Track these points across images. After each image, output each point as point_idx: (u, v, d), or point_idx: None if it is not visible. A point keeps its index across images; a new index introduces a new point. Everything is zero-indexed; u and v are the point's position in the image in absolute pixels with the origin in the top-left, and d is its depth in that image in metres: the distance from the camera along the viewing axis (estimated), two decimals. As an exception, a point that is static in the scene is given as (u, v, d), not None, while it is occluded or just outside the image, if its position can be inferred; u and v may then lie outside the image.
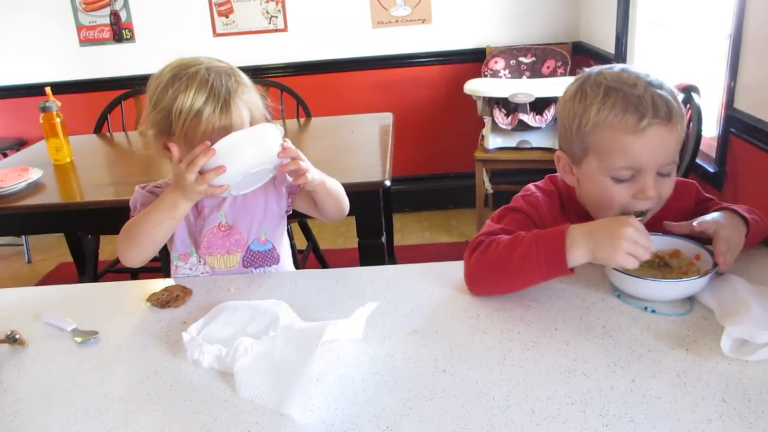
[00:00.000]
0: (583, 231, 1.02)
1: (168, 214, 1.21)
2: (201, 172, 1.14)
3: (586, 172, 1.14)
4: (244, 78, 1.29)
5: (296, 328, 0.95)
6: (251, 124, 1.27)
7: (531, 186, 1.26)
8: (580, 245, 1.00)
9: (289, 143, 1.21)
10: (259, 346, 0.94)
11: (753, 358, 0.88)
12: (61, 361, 1.01)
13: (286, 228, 1.46)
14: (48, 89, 2.43)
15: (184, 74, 1.22)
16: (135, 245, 1.25)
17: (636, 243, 0.97)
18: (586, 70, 1.15)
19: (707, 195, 1.27)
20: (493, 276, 1.09)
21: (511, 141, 3.23)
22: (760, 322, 0.91)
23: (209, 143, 1.13)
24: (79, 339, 1.05)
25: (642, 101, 1.04)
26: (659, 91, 1.06)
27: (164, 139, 1.25)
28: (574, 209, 1.21)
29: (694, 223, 1.12)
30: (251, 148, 1.16)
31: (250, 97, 1.27)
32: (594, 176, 1.12)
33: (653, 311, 1.02)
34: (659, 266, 1.13)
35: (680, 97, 1.11)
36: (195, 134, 1.20)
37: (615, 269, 1.05)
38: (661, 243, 1.15)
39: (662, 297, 1.05)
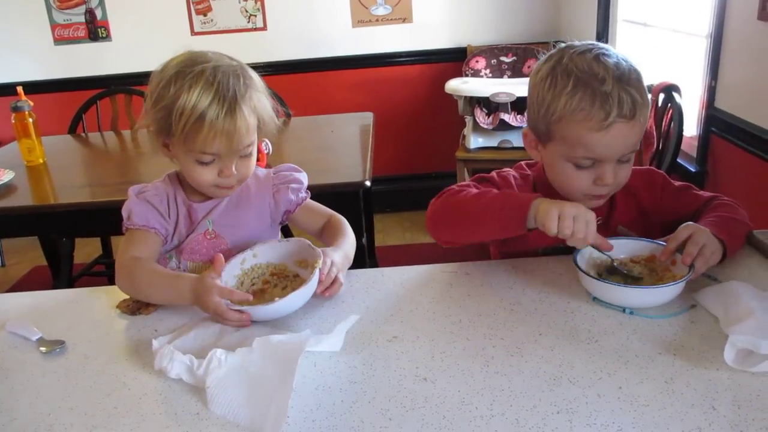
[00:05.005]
0: (546, 201, 1.06)
1: (175, 302, 1.13)
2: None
3: (549, 153, 1.19)
4: (255, 79, 1.19)
5: (274, 342, 0.90)
6: (258, 131, 1.19)
7: (507, 169, 1.31)
8: (535, 208, 1.05)
9: (327, 270, 1.11)
10: (234, 359, 0.89)
11: (757, 369, 0.83)
12: (24, 373, 0.96)
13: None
14: (20, 89, 2.38)
15: (189, 71, 1.11)
16: (135, 294, 1.16)
17: (568, 215, 1.00)
18: (562, 45, 1.18)
19: (676, 183, 1.26)
20: (453, 217, 1.17)
21: (493, 141, 3.21)
22: (765, 331, 0.86)
23: (248, 313, 1.04)
24: (44, 349, 1.00)
25: (609, 99, 1.06)
26: (627, 87, 1.07)
27: (163, 138, 1.17)
28: (545, 193, 1.18)
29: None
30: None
31: (258, 102, 1.18)
32: (556, 160, 1.17)
33: (631, 313, 1.01)
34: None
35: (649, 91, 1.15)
36: (196, 139, 1.11)
37: (586, 273, 1.05)
38: (636, 247, 1.14)
39: (635, 304, 1.02)
